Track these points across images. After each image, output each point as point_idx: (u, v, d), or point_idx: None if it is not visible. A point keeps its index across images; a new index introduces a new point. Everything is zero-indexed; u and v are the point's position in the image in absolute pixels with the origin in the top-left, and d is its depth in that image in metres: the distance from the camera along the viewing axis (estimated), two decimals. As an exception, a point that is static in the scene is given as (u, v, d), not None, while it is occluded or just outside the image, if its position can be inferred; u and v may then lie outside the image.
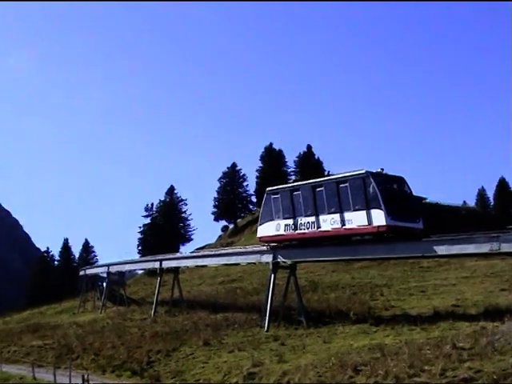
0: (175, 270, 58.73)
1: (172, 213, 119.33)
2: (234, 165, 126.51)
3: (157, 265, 59.85)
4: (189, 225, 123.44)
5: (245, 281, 68.05)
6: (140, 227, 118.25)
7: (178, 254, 58.77)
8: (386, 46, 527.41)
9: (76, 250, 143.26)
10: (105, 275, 77.79)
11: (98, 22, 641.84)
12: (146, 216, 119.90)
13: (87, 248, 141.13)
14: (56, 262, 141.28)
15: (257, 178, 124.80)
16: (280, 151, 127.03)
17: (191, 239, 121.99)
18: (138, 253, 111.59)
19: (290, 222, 41.03)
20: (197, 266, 62.21)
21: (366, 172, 36.32)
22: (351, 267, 59.53)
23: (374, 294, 48.81)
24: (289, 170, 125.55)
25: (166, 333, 43.81)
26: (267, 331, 39.61)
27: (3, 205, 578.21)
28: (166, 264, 58.17)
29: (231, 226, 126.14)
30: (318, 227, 38.96)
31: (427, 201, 62.30)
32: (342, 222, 37.19)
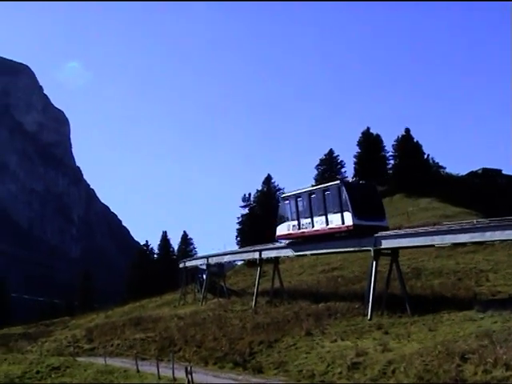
0: (275, 260, 59.03)
1: (270, 202, 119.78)
2: (331, 151, 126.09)
3: (256, 255, 60.34)
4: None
5: (346, 269, 67.73)
6: (238, 218, 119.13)
7: (277, 244, 58.91)
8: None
9: (175, 243, 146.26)
10: (204, 267, 78.68)
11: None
12: (244, 206, 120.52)
13: (186, 240, 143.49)
14: (155, 255, 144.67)
15: (354, 163, 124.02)
16: (377, 136, 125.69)
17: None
18: (237, 243, 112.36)
19: (296, 222, 51.14)
20: (297, 256, 62.35)
21: (340, 182, 47.27)
22: (455, 252, 58.28)
23: (480, 279, 47.57)
24: (387, 155, 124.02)
25: (268, 323, 44.22)
26: (370, 320, 39.58)
27: (102, 200, 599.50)
28: (266, 254, 58.56)
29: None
30: (313, 227, 48.68)
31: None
32: (327, 222, 46.71)
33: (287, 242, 54.76)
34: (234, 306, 59.77)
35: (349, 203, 44.16)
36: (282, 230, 53.73)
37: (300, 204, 50.97)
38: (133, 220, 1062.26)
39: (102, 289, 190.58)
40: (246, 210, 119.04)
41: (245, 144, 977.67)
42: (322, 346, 34.97)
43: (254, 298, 57.39)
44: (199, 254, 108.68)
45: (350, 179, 49.32)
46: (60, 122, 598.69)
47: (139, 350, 46.10)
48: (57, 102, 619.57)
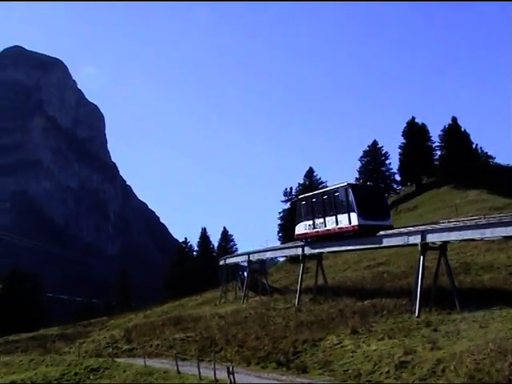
0: (318, 256, 58.98)
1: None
2: (374, 142, 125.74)
3: (299, 251, 60.29)
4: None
5: (392, 264, 67.42)
6: (279, 213, 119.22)
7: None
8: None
9: (215, 240, 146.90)
10: (245, 264, 78.72)
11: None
12: (286, 201, 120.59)
13: (226, 237, 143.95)
14: (194, 253, 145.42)
15: (400, 154, 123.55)
16: (423, 125, 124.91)
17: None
18: (279, 239, 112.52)
19: (311, 222, 55.62)
20: (341, 251, 62.22)
21: (347, 184, 50.82)
22: (506, 245, 57.59)
23: (533, 273, 47.17)
24: (433, 145, 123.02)
25: (312, 322, 44.31)
26: (418, 317, 39.42)
27: (140, 197, 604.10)
28: (309, 250, 58.65)
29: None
30: (325, 226, 53.25)
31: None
32: (336, 222, 51.37)
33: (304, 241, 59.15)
34: (276, 304, 59.81)
35: (354, 204, 49.00)
36: (299, 229, 58.40)
37: (314, 205, 55.96)
38: (171, 217, 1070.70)
39: (139, 287, 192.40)
40: (288, 205, 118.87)
41: (286, 136, 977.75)
42: (368, 344, 34.98)
43: (297, 295, 57.44)
44: (240, 251, 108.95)
45: (356, 182, 52.01)
46: (94, 116, 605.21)
47: (179, 350, 46.34)
48: (91, 97, 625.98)
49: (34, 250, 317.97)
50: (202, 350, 44.19)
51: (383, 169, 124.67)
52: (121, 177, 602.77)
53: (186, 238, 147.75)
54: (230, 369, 30.68)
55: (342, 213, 50.39)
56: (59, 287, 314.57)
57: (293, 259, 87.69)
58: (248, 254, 75.05)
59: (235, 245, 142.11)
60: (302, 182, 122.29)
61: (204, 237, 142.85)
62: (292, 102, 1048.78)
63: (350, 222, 49.23)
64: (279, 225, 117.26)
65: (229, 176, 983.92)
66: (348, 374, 30.84)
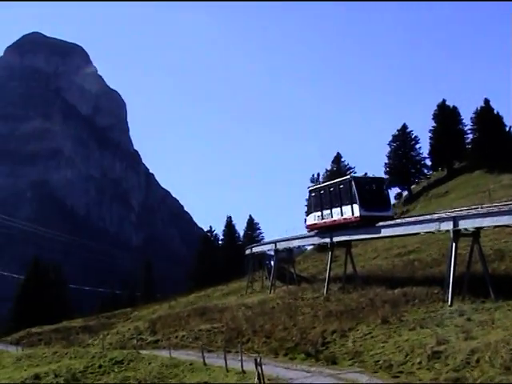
0: (347, 244, 58.99)
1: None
2: (404, 126, 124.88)
3: (327, 239, 60.31)
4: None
5: (423, 252, 67.12)
6: (307, 200, 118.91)
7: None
8: None
9: (240, 228, 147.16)
10: (272, 253, 78.74)
11: None
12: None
13: (252, 225, 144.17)
14: (220, 242, 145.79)
15: (430, 138, 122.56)
16: (454, 108, 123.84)
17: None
18: (306, 227, 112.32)
19: (319, 213, 59.69)
20: (370, 239, 62.06)
21: (351, 177, 56.16)
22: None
23: None
24: (465, 129, 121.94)
25: (341, 311, 44.29)
26: (451, 306, 39.25)
27: (163, 185, 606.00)
28: (337, 238, 58.53)
29: (405, 193, 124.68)
30: (332, 217, 57.13)
31: None
32: (341, 213, 55.32)
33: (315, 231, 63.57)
34: (304, 294, 59.84)
35: (356, 196, 53.04)
36: (309, 220, 62.82)
37: (322, 197, 59.90)
38: (195, 205, 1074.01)
39: (164, 278, 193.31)
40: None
41: (313, 121, 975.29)
42: (399, 334, 34.93)
43: (326, 284, 57.46)
44: (266, 240, 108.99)
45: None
46: (116, 103, 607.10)
47: (205, 341, 46.46)
48: (112, 83, 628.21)
49: (55, 240, 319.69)
50: (228, 342, 44.26)
51: (413, 153, 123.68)
52: (143, 165, 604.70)
53: (210, 227, 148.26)
54: (258, 360, 30.57)
55: (346, 204, 54.62)
56: (82, 278, 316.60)
57: (321, 247, 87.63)
58: (275, 242, 75.09)
59: (261, 233, 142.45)
60: (329, 167, 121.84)
61: (229, 225, 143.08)
62: (319, 85, 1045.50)
63: (352, 213, 53.56)
64: (306, 212, 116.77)
65: (254, 162, 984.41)
66: (379, 365, 30.82)
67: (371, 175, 60.52)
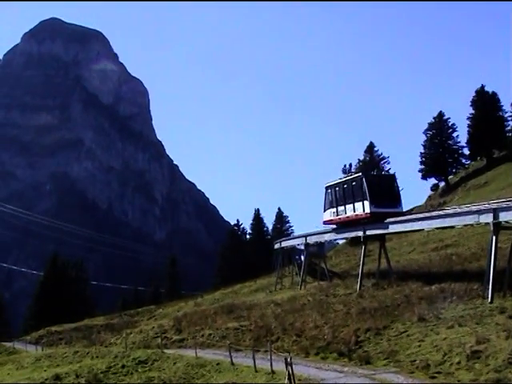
0: (381, 238, 58.91)
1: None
2: (440, 114, 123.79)
3: (360, 233, 60.08)
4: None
5: (461, 246, 66.81)
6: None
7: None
8: None
9: (269, 222, 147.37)
10: (302, 247, 78.60)
11: None
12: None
13: (281, 218, 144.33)
14: (247, 236, 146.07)
15: (468, 126, 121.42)
16: (494, 94, 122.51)
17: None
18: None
19: (334, 210, 63.31)
20: (405, 232, 61.86)
21: (361, 174, 60.22)
22: None
23: None
24: (506, 115, 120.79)
25: (375, 308, 44.19)
26: (491, 302, 38.98)
27: (187, 177, 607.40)
28: (371, 231, 58.41)
29: (442, 184, 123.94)
30: (345, 213, 60.88)
31: None
32: (354, 209, 58.95)
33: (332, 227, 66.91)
34: (336, 290, 59.77)
35: (367, 193, 56.71)
36: (326, 216, 66.23)
37: (337, 193, 63.50)
38: (222, 198, 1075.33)
39: (189, 273, 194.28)
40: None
41: (343, 109, 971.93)
42: (436, 332, 34.79)
43: (359, 280, 57.36)
44: (296, 233, 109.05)
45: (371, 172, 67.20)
46: (138, 92, 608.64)
47: (233, 340, 46.56)
48: (134, 71, 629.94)
49: (76, 235, 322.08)
50: (256, 340, 44.42)
51: (450, 142, 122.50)
52: (167, 156, 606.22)
53: (238, 221, 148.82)
54: (288, 360, 30.60)
55: (358, 201, 58.24)
56: (103, 275, 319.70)
57: (353, 241, 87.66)
58: (305, 236, 75.11)
59: (291, 227, 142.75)
60: (361, 158, 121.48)
61: (257, 219, 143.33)
62: (350, 72, 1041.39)
63: (363, 210, 57.22)
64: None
65: (283, 153, 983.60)
66: (415, 365, 30.71)
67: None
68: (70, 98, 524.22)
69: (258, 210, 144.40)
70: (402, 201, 59.70)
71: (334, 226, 66.27)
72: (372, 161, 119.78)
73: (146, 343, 55.74)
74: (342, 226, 63.72)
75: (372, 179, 60.12)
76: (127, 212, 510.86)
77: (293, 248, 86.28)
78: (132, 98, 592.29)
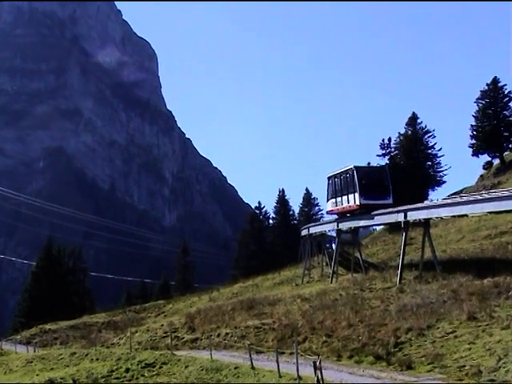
0: (425, 224, 58.38)
1: (416, 149, 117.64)
2: (495, 80, 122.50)
3: (400, 217, 59.53)
4: (439, 163, 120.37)
5: (519, 233, 66.62)
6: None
7: (427, 202, 58.45)
8: None
9: (295, 204, 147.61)
10: (334, 234, 78.74)
11: None
12: (383, 155, 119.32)
13: (309, 201, 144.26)
14: (271, 221, 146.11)
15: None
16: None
17: (443, 182, 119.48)
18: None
19: (334, 200, 72.79)
20: (453, 217, 61.52)
21: (353, 167, 67.21)
22: None
23: None
24: None
25: (418, 305, 44.03)
26: (554, 299, 38.92)
27: (202, 153, 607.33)
28: (413, 216, 57.87)
29: (496, 162, 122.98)
30: (342, 204, 70.15)
31: None
32: (348, 201, 68.21)
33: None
34: (372, 284, 59.77)
35: (357, 185, 65.68)
36: (328, 206, 76.46)
37: (336, 184, 72.84)
38: (241, 177, 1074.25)
39: (203, 264, 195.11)
40: (386, 160, 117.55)
41: (383, 77, 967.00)
42: (489, 334, 34.62)
43: (399, 272, 57.22)
44: (326, 218, 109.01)
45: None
46: (145, 55, 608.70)
47: (253, 340, 46.61)
48: (140, 31, 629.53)
49: (73, 219, 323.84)
50: (281, 341, 44.51)
51: (506, 113, 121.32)
52: (179, 128, 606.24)
53: (259, 203, 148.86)
54: (317, 363, 30.52)
55: (351, 192, 67.37)
56: (105, 265, 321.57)
57: (392, 227, 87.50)
58: (337, 221, 75.11)
59: (320, 210, 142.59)
60: (402, 131, 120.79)
61: (282, 201, 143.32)
62: (388, 39, 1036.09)
63: (354, 201, 66.38)
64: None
65: (311, 127, 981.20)
66: (464, 371, 30.53)
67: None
68: (67, 61, 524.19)
69: (283, 190, 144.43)
70: (391, 193, 67.39)
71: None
72: (414, 135, 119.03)
73: (154, 344, 56.11)
74: (342, 215, 72.96)
75: (362, 171, 68.77)
76: (132, 193, 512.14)
77: (322, 235, 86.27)
78: (138, 61, 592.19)
